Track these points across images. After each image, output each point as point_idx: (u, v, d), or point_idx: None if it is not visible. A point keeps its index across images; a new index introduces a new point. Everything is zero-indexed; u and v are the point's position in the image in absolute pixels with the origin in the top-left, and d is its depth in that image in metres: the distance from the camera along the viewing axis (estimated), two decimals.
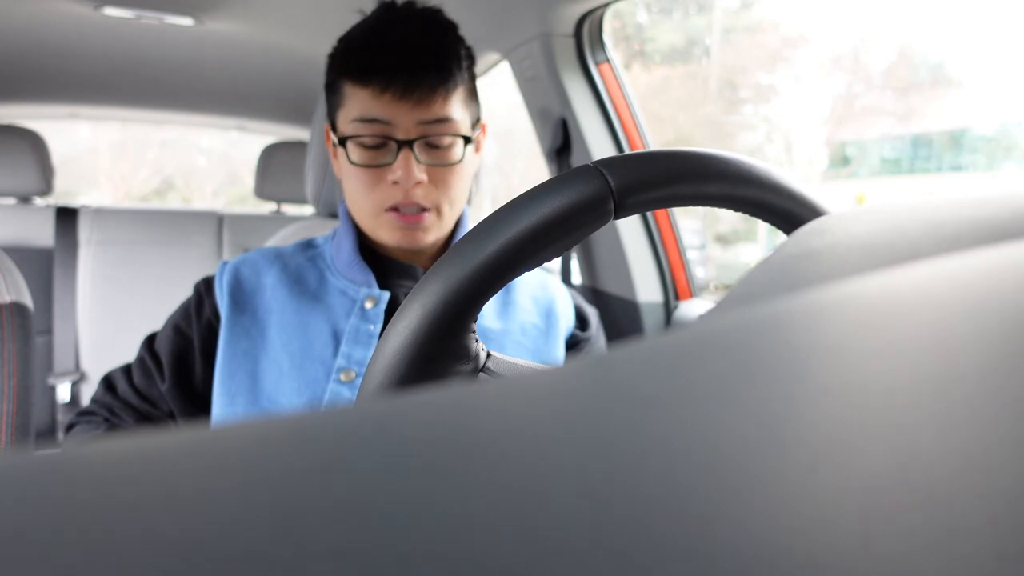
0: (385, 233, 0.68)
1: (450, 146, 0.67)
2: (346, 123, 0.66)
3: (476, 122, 0.71)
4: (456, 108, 0.66)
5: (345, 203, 0.73)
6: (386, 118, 0.64)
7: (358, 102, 0.65)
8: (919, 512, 0.06)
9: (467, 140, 0.68)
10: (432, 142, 0.65)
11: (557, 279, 0.79)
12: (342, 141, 0.66)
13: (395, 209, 0.66)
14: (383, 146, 0.65)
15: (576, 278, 1.27)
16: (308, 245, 0.75)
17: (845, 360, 0.09)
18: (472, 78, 0.70)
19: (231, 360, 0.64)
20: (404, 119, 0.64)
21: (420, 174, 0.64)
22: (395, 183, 0.65)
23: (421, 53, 0.64)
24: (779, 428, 0.08)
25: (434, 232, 0.68)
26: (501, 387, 0.09)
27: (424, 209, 0.66)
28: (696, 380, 0.09)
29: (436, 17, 0.67)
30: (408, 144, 0.64)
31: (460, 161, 0.67)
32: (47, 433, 1.58)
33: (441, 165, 0.66)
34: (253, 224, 1.83)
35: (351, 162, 0.66)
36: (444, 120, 0.65)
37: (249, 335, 0.65)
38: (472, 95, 0.70)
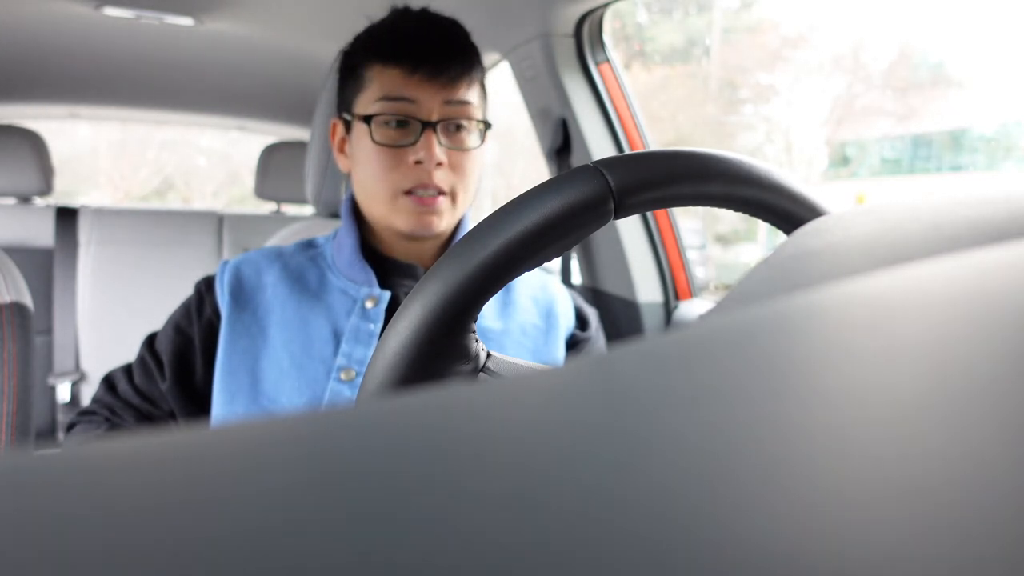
0: (400, 219, 0.68)
1: (469, 131, 0.69)
2: (369, 104, 0.68)
3: (486, 123, 0.72)
4: (475, 95, 0.70)
5: (351, 199, 0.74)
6: (412, 97, 0.66)
7: (385, 81, 0.67)
8: (920, 512, 0.06)
9: (487, 126, 0.71)
10: (453, 124, 0.68)
11: (557, 279, 0.79)
12: (366, 120, 0.67)
13: (412, 193, 0.67)
14: (406, 126, 0.67)
15: (576, 278, 1.27)
16: (309, 245, 0.75)
17: (845, 360, 0.09)
18: (484, 84, 0.73)
19: (231, 359, 0.64)
20: (429, 100, 0.66)
21: (441, 155, 0.66)
22: (417, 163, 0.66)
23: (447, 43, 0.68)
24: (779, 428, 0.08)
25: (447, 218, 0.69)
26: (501, 387, 0.09)
27: (441, 192, 0.68)
28: (696, 380, 0.09)
29: (454, 21, 0.71)
30: (431, 125, 0.66)
31: (477, 147, 0.70)
32: (47, 433, 1.58)
33: (460, 149, 0.68)
34: (253, 224, 1.83)
35: (374, 141, 0.67)
36: (466, 102, 0.68)
37: (249, 334, 0.65)
38: (484, 97, 0.73)
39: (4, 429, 0.72)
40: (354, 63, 0.70)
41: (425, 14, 0.70)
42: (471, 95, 0.69)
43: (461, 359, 0.34)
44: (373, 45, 0.69)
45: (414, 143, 0.66)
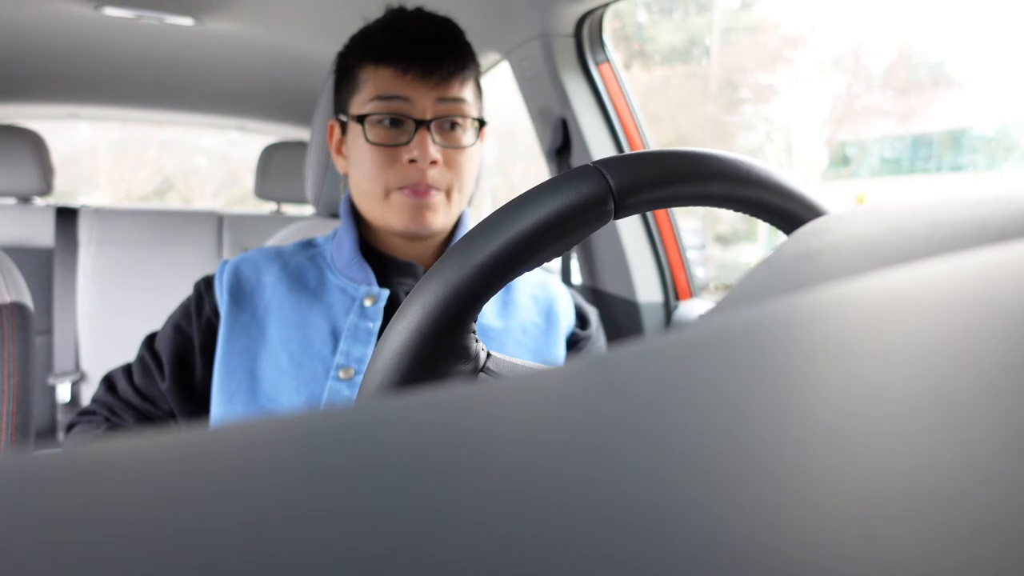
0: (395, 217, 0.68)
1: (463, 129, 0.69)
2: (363, 104, 0.68)
3: (481, 121, 0.71)
4: (469, 93, 0.70)
5: (349, 199, 0.74)
6: (406, 95, 0.66)
7: (378, 81, 0.67)
8: (919, 513, 0.06)
9: (481, 123, 0.71)
10: (447, 122, 0.68)
11: (557, 279, 0.79)
12: (360, 119, 0.67)
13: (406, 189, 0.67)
14: (400, 125, 0.67)
15: (576, 278, 1.27)
16: (308, 244, 0.75)
17: (845, 360, 0.09)
18: (478, 82, 0.73)
19: (230, 358, 0.64)
20: (423, 99, 0.67)
21: (435, 153, 0.66)
22: (411, 161, 0.66)
23: (440, 41, 0.68)
24: (779, 429, 0.08)
25: (442, 215, 0.69)
26: (501, 387, 0.09)
27: (435, 189, 0.68)
28: (696, 380, 0.09)
29: (448, 20, 0.71)
30: (425, 124, 0.66)
31: (472, 145, 0.70)
32: (47, 433, 1.58)
33: (454, 147, 0.68)
34: (253, 224, 1.83)
35: (368, 141, 0.67)
36: (460, 100, 0.68)
37: (248, 333, 0.65)
38: (478, 95, 0.73)
39: (4, 429, 0.72)
40: (348, 64, 0.70)
41: (418, 13, 0.70)
42: (465, 92, 0.69)
43: (461, 359, 0.34)
44: (366, 46, 0.69)
45: (408, 142, 0.66)
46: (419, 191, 0.67)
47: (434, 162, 0.66)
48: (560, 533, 0.06)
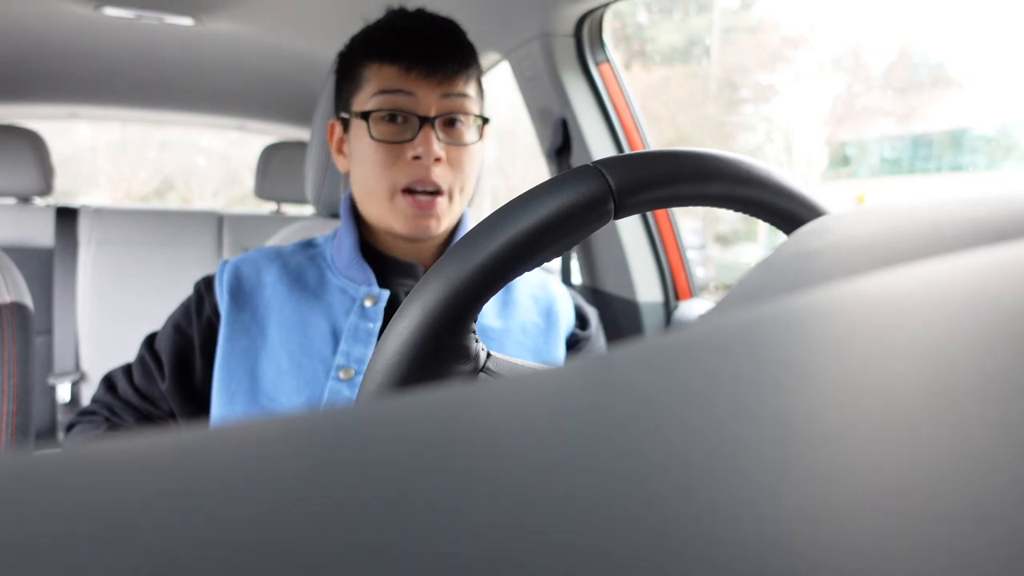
0: (397, 220, 0.68)
1: (466, 126, 0.69)
2: (366, 100, 0.68)
3: (484, 119, 0.72)
4: (473, 91, 0.70)
5: (350, 198, 0.74)
6: (410, 90, 0.66)
7: (383, 78, 0.67)
8: (920, 512, 0.06)
9: (484, 121, 0.71)
10: (451, 119, 0.68)
11: (557, 279, 0.80)
12: (364, 116, 0.67)
13: (410, 192, 0.67)
14: (404, 122, 0.67)
15: (576, 278, 1.27)
16: (308, 244, 0.75)
17: (845, 360, 0.09)
18: (480, 82, 0.73)
19: (230, 358, 0.64)
20: (427, 96, 0.67)
21: (440, 151, 0.66)
22: (415, 158, 0.66)
23: (442, 41, 0.68)
24: (779, 429, 0.08)
25: (445, 219, 0.69)
26: (501, 387, 0.09)
27: (439, 192, 0.68)
28: (696, 380, 0.09)
29: (450, 20, 0.71)
30: (429, 121, 0.66)
31: (475, 143, 0.70)
32: (47, 433, 1.58)
33: (458, 144, 0.68)
34: (253, 224, 1.83)
35: (372, 137, 0.67)
36: (464, 95, 0.68)
37: (249, 333, 0.65)
38: (481, 94, 0.73)
39: (4, 429, 0.72)
40: (351, 63, 0.70)
41: (421, 13, 0.70)
42: (469, 89, 0.69)
43: (461, 359, 0.34)
44: (369, 44, 0.69)
45: (412, 139, 0.66)
46: (423, 203, 0.67)
47: (438, 159, 0.66)
48: (561, 532, 0.06)
